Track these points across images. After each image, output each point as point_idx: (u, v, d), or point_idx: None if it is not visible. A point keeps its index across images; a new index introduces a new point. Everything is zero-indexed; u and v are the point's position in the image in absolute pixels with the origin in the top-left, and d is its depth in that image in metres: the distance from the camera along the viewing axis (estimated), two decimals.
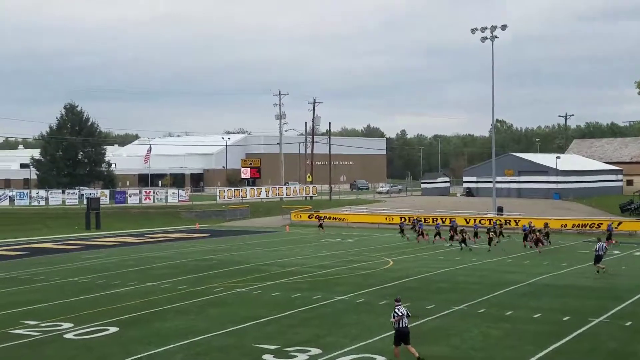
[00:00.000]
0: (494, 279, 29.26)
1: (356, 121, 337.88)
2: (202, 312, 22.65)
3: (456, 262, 35.04)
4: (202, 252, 40.28)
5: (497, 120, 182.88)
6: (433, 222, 55.17)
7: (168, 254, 39.38)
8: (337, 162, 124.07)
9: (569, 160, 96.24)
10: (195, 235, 52.17)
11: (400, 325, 16.28)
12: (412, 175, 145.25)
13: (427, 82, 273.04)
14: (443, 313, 22.21)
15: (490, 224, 48.06)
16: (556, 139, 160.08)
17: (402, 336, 16.33)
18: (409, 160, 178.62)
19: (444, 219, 52.28)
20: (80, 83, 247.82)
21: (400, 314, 16.28)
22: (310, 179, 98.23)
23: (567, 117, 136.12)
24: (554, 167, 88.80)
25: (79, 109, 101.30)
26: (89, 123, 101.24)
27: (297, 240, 46.85)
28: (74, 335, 19.36)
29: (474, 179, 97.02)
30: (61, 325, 20.56)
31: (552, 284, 28.25)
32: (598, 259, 30.64)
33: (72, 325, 20.54)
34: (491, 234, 41.91)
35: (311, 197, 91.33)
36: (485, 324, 20.75)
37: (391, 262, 35.10)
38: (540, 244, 39.49)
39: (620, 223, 51.56)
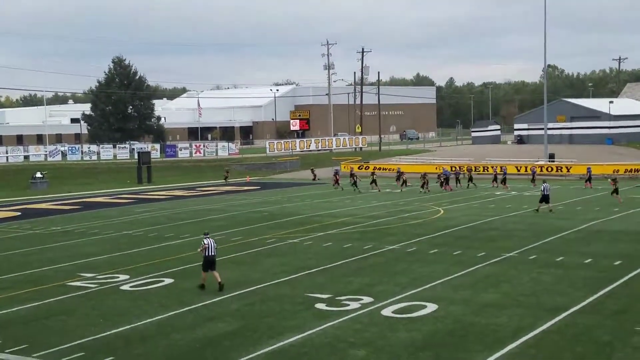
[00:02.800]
0: (545, 226, 29.00)
1: (405, 71, 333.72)
2: (255, 262, 23.04)
3: (507, 210, 34.78)
4: (253, 205, 40.78)
5: (550, 66, 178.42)
6: (484, 170, 54.72)
7: (220, 207, 39.98)
8: (386, 112, 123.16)
9: (622, 105, 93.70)
10: (246, 187, 52.76)
11: (207, 254, 18.89)
12: (462, 123, 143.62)
13: (479, 31, 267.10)
14: (494, 260, 22.19)
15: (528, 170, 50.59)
16: (609, 84, 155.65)
17: (208, 263, 18.98)
18: (458, 108, 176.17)
19: (494, 167, 51.63)
20: (127, 36, 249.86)
21: (207, 245, 18.87)
22: (359, 130, 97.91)
23: (621, 60, 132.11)
24: (607, 112, 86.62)
25: (126, 62, 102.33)
26: (137, 77, 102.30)
27: (347, 191, 46.99)
28: (130, 286, 19.95)
29: (525, 126, 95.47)
30: (117, 277, 21.19)
31: (603, 229, 27.92)
32: (545, 198, 32.93)
33: (128, 277, 21.16)
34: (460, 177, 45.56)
35: (361, 148, 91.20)
36: (536, 270, 20.68)
37: (442, 211, 35.03)
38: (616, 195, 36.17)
39: None
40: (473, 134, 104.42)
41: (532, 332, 14.73)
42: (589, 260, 21.88)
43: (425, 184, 45.07)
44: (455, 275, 20.25)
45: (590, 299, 17.28)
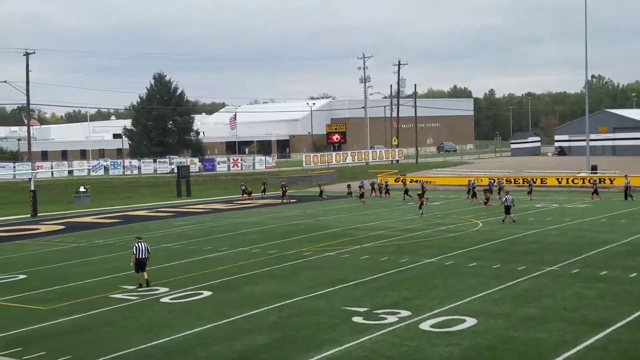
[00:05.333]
0: (588, 239, 28.54)
1: (442, 83, 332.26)
2: (292, 275, 23.11)
3: (547, 223, 34.31)
4: (290, 217, 40.91)
5: (592, 76, 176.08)
6: (524, 183, 54.16)
7: (257, 220, 40.20)
8: (423, 125, 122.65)
9: None
10: (283, 200, 52.93)
11: (139, 257, 21.48)
12: (501, 135, 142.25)
13: (517, 41, 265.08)
14: (534, 274, 21.89)
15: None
16: None
17: (140, 265, 21.56)
18: (497, 120, 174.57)
19: (534, 180, 51.18)
20: (167, 52, 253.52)
21: (138, 249, 21.49)
22: (396, 143, 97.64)
23: None
24: None
25: (167, 78, 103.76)
26: (178, 92, 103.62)
27: (383, 204, 46.86)
28: (170, 299, 20.15)
29: (566, 137, 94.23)
30: (157, 289, 21.43)
31: None
32: (507, 209, 34.60)
33: (167, 289, 21.38)
34: (487, 194, 42.75)
35: (397, 160, 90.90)
36: (579, 284, 20.34)
37: (480, 224, 34.70)
38: None
39: None
40: (512, 146, 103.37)
41: (575, 347, 14.47)
42: (634, 274, 21.44)
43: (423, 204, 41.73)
44: (495, 289, 20.01)
45: (636, 314, 16.92)
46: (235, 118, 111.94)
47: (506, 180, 55.03)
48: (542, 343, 14.84)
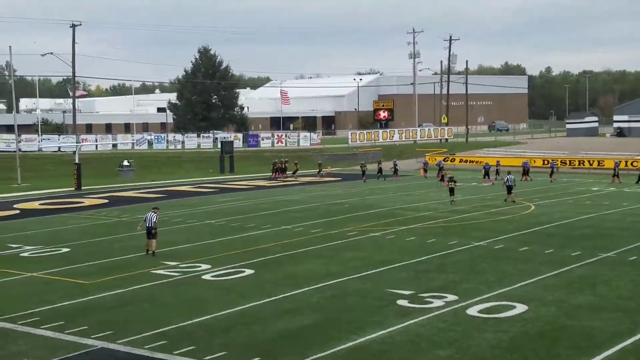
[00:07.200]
0: None
1: (494, 59, 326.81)
2: (336, 255, 23.09)
3: (604, 207, 33.61)
4: (334, 196, 40.88)
5: None
6: (579, 164, 53.22)
7: (301, 198, 40.27)
8: (474, 103, 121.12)
9: None
10: (327, 178, 52.94)
11: (148, 224, 23.24)
12: (556, 115, 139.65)
13: (575, 16, 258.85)
14: (589, 260, 21.48)
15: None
16: None
17: (148, 233, 23.34)
18: (552, 99, 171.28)
19: (591, 162, 50.14)
20: (213, 25, 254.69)
21: (147, 218, 23.43)
22: (445, 121, 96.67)
23: None
24: None
25: (212, 52, 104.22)
26: (222, 66, 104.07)
27: (431, 184, 46.49)
28: (212, 276, 20.33)
29: (625, 117, 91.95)
30: (199, 266, 21.64)
31: None
32: (509, 189, 35.35)
33: (209, 266, 21.57)
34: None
35: (446, 139, 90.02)
36: (636, 272, 19.89)
37: (532, 207, 34.19)
38: None
39: None
40: (568, 126, 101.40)
41: (632, 338, 14.17)
42: None
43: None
44: (547, 275, 19.71)
45: None
46: (287, 93, 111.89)
47: (561, 161, 54.09)
48: (597, 332, 14.55)
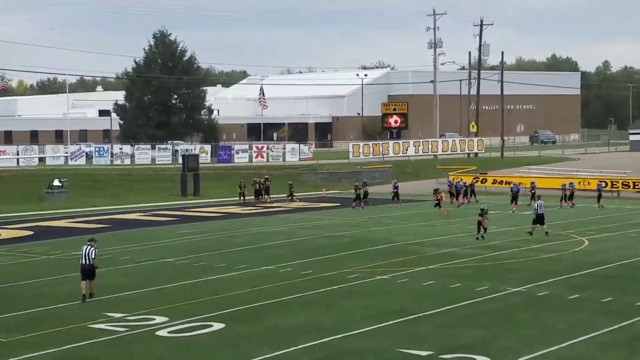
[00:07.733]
0: None
1: (538, 51, 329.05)
2: (331, 304, 23.12)
3: None
4: (330, 227, 40.95)
5: None
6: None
7: (287, 229, 40.32)
8: (511, 106, 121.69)
9: None
10: (322, 204, 52.98)
11: (82, 262, 23.65)
12: (616, 123, 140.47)
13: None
14: None
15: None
16: None
17: (83, 272, 23.69)
18: (612, 102, 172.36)
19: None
20: (173, 4, 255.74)
21: (85, 254, 23.74)
22: (474, 130, 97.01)
23: None
24: None
25: (172, 38, 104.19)
26: (185, 57, 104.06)
27: (456, 212, 46.61)
28: (169, 332, 20.28)
29: None
30: (153, 319, 21.57)
31: None
32: (539, 219, 36.21)
33: (166, 319, 21.51)
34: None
35: (476, 153, 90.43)
36: None
37: (586, 242, 34.40)
38: None
39: None
40: (631, 137, 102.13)
41: None
42: None
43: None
44: (605, 330, 19.84)
45: None
46: (263, 93, 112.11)
47: (623, 184, 54.37)
48: None
